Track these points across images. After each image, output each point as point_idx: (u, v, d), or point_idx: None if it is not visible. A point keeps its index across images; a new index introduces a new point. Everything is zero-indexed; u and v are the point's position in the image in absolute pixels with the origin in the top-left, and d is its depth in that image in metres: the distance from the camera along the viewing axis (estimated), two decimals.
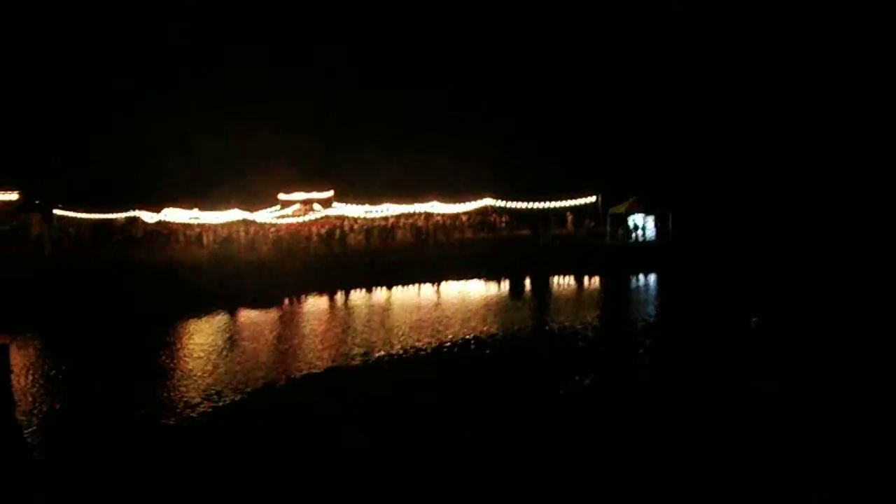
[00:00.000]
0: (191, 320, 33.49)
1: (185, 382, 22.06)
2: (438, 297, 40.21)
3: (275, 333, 30.54)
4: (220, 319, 34.25)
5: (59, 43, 69.29)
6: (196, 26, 71.99)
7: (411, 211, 57.02)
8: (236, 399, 20.07)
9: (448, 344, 26.78)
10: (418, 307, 36.37)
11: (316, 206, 57.54)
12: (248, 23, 75.81)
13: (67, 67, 68.19)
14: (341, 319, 33.86)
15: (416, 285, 43.80)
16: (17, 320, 30.52)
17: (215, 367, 24.06)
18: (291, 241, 49.38)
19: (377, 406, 19.17)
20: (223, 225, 52.54)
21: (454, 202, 58.12)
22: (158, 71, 70.87)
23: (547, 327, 30.57)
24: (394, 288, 43.19)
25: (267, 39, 75.39)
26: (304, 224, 53.75)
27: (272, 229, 52.44)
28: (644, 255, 48.77)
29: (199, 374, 23.06)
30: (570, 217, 57.58)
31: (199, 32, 71.97)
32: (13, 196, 54.30)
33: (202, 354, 26.20)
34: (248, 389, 20.97)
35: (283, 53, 75.59)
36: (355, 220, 56.07)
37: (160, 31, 71.45)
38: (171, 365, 24.73)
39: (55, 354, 27.22)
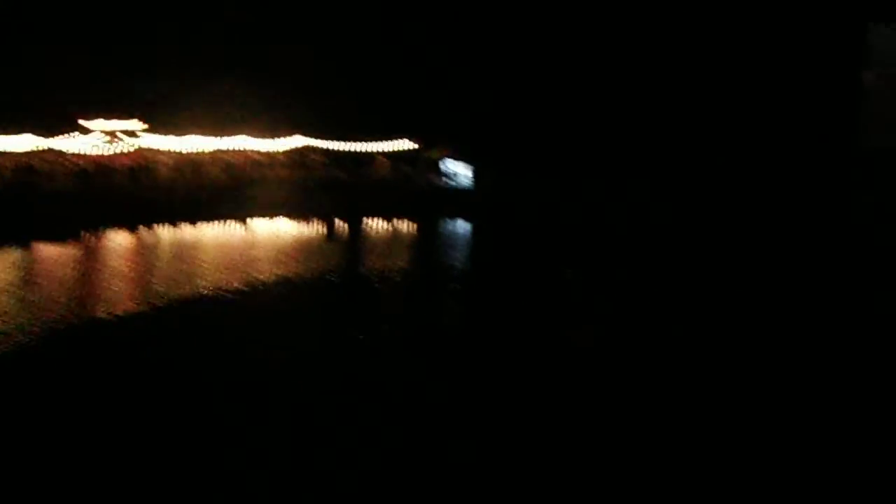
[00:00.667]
0: None
1: None
2: (247, 237, 39.43)
3: (69, 271, 29.01)
4: (10, 254, 32.25)
5: None
6: None
7: (223, 147, 55.18)
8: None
9: (254, 287, 26.04)
10: (223, 246, 35.62)
11: (121, 135, 54.60)
12: None
13: None
14: (142, 258, 32.67)
15: (226, 223, 42.68)
16: None
17: None
18: (96, 173, 47.04)
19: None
20: (20, 153, 49.07)
21: (267, 139, 56.68)
22: None
23: (353, 271, 30.44)
24: (202, 224, 41.90)
25: None
26: (112, 156, 51.12)
27: (75, 159, 49.57)
28: (455, 200, 49.38)
29: None
30: (382, 161, 57.07)
31: None
32: None
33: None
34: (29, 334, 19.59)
35: None
36: (166, 153, 53.70)
37: None
38: None
39: None
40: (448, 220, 45.95)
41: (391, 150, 56.68)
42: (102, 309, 22.53)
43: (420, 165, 54.64)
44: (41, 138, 49.67)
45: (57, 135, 51.95)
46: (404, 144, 56.58)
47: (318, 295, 25.83)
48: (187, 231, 40.43)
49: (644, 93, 57.17)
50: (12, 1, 61.12)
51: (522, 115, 59.25)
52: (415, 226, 45.09)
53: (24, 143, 48.98)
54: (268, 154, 56.41)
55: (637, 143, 53.26)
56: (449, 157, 52.98)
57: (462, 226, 45.69)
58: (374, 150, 56.78)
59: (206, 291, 25.00)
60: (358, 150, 56.34)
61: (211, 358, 18.04)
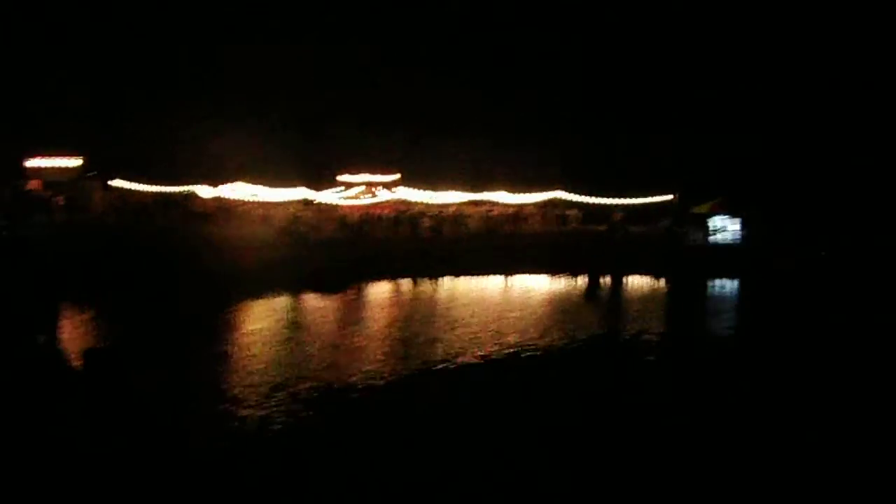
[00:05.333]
0: (250, 301, 31.98)
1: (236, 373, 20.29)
2: (508, 293, 38.17)
3: (336, 323, 28.93)
4: (281, 302, 32.76)
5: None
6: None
7: (479, 199, 54.98)
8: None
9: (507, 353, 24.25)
10: (488, 303, 34.18)
11: (379, 189, 55.67)
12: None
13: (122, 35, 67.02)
14: (401, 312, 31.93)
15: (485, 276, 41.77)
16: (75, 294, 29.42)
17: (273, 357, 22.27)
18: (360, 224, 48.03)
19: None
20: (284, 204, 51.05)
21: (522, 192, 56.02)
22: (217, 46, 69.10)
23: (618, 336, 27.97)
24: (463, 278, 41.26)
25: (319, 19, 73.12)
26: (371, 206, 52.26)
27: (338, 211, 51.04)
28: (724, 258, 46.10)
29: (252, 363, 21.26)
30: (641, 214, 54.42)
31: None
32: (77, 162, 52.74)
33: (259, 341, 24.46)
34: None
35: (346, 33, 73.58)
36: (422, 206, 54.14)
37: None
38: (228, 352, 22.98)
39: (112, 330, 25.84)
40: (714, 278, 42.84)
41: (650, 202, 54.36)
42: (352, 366, 21.65)
43: (682, 220, 51.78)
44: (309, 190, 51.57)
45: (321, 188, 53.85)
46: (663, 198, 54.18)
47: (583, 360, 23.80)
48: (450, 284, 39.98)
49: None
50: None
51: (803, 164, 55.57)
52: (678, 284, 42.19)
53: (292, 194, 51.05)
54: (520, 207, 55.63)
55: None
56: (717, 211, 49.88)
57: (730, 284, 42.50)
58: (632, 203, 54.59)
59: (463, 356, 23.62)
60: (615, 203, 54.33)
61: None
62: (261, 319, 28.86)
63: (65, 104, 58.38)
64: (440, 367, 21.58)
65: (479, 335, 25.96)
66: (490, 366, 22.04)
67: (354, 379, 19.90)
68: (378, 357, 22.63)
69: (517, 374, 21.59)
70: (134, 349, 22.91)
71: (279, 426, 16.05)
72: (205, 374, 19.98)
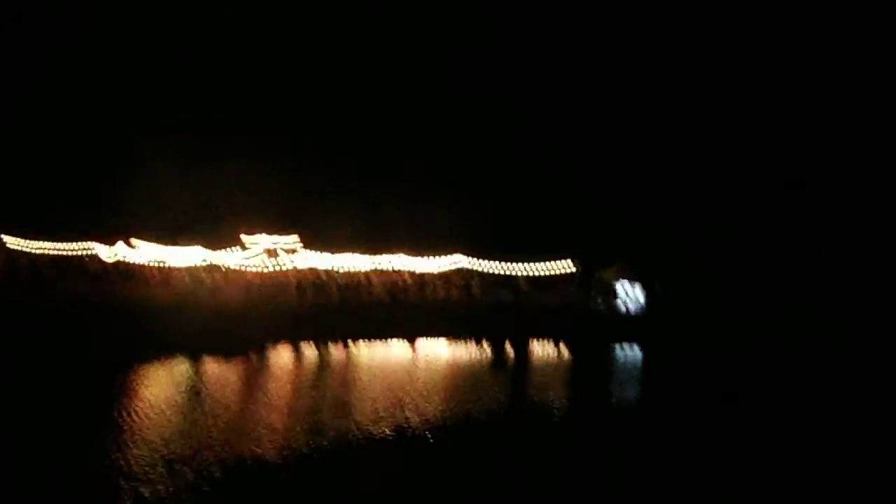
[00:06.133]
0: (146, 366, 30.69)
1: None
2: (415, 361, 37.59)
3: (237, 390, 27.98)
4: (181, 368, 31.54)
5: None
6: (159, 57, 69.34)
7: (383, 267, 54.33)
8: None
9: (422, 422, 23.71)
10: (395, 371, 33.61)
11: (280, 252, 54.47)
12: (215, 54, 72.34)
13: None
14: (300, 380, 31.10)
15: (390, 342, 41.36)
16: None
17: (173, 428, 21.29)
18: (263, 289, 46.95)
19: None
20: (185, 267, 49.56)
21: (423, 257, 55.60)
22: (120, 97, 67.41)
23: (521, 408, 27.66)
24: (366, 343, 40.66)
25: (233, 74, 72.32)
26: (275, 272, 51.13)
27: (242, 275, 49.75)
28: (628, 323, 46.90)
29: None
30: (523, 283, 54.76)
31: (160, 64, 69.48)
32: None
33: (157, 410, 23.36)
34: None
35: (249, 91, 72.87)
36: (325, 272, 53.22)
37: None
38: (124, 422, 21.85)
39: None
40: (622, 347, 43.43)
41: (552, 268, 54.64)
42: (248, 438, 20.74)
43: (588, 285, 52.33)
44: (207, 251, 50.08)
45: (222, 248, 52.30)
46: (565, 263, 54.49)
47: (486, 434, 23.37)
48: (355, 350, 39.26)
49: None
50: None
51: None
52: (585, 353, 42.43)
53: (190, 255, 49.54)
54: (426, 274, 55.23)
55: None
56: (623, 277, 50.63)
57: (635, 354, 43.05)
58: (534, 269, 54.80)
59: (368, 423, 22.93)
60: (518, 270, 54.48)
61: None
62: (158, 386, 27.73)
63: None
64: (351, 439, 20.92)
65: (387, 405, 25.36)
66: (400, 438, 21.44)
67: (259, 451, 19.09)
68: (284, 428, 21.86)
69: (428, 447, 21.06)
70: (25, 420, 21.78)
71: None
72: (101, 448, 18.89)
